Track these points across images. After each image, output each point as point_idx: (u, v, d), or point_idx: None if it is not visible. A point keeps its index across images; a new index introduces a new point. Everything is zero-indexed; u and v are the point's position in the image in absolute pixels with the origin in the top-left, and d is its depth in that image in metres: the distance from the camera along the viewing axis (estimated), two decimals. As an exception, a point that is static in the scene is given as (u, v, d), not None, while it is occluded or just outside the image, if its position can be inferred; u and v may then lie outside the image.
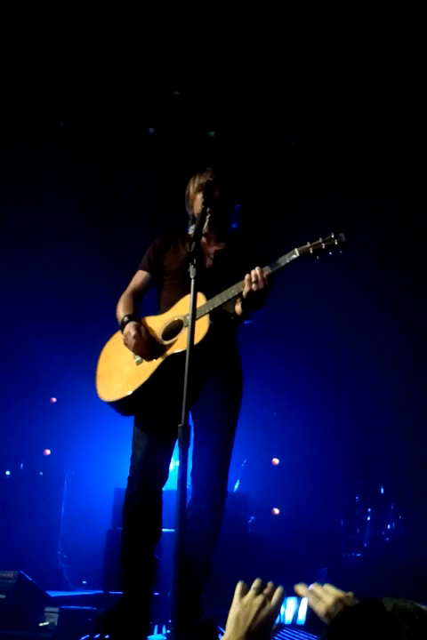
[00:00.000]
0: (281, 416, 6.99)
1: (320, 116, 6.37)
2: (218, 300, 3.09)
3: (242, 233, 3.60)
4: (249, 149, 6.44)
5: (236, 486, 6.16)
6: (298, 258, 3.02)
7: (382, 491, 6.21)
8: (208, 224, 2.73)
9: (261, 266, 3.23)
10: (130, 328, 3.21)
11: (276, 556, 5.73)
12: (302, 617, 1.54)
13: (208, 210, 2.77)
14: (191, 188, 3.46)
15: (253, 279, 3.00)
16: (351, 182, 6.50)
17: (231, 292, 3.09)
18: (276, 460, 7.02)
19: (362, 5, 5.37)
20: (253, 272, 3.01)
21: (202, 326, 3.03)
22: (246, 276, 3.01)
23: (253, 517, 5.96)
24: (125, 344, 3.22)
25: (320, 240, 3.01)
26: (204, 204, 2.78)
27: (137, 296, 3.49)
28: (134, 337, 3.16)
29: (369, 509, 6.17)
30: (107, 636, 2.85)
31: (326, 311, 6.79)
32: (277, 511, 6.68)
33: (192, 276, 2.37)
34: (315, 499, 6.56)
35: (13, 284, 6.54)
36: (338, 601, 1.45)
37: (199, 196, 3.31)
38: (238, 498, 5.56)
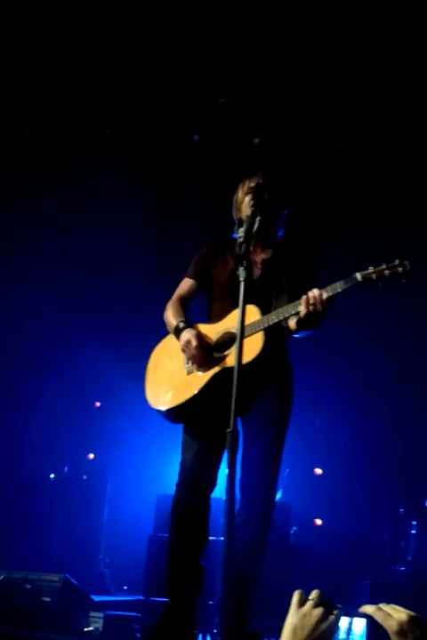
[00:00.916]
0: (324, 426, 6.91)
1: (366, 122, 6.29)
2: (274, 318, 3.04)
3: (288, 238, 3.55)
4: (293, 156, 6.40)
5: (278, 495, 6.10)
6: (359, 283, 2.93)
7: (427, 503, 6.09)
8: (257, 228, 2.68)
9: (310, 267, 3.20)
10: (191, 336, 3.16)
11: (318, 567, 5.66)
12: (358, 636, 1.47)
13: (258, 211, 2.72)
14: (240, 191, 3.42)
15: (312, 301, 2.92)
16: (400, 189, 6.41)
17: (289, 310, 3.03)
18: (318, 471, 6.94)
19: (415, 12, 5.29)
20: (311, 294, 2.93)
21: (256, 343, 3.01)
22: (304, 297, 2.94)
23: (295, 528, 5.89)
24: (183, 351, 3.19)
25: (384, 266, 2.91)
26: (253, 206, 2.73)
27: (184, 303, 3.47)
28: (196, 348, 3.12)
29: (414, 522, 6.04)
30: None
31: (372, 322, 6.69)
32: (319, 522, 6.60)
33: (241, 279, 2.34)
34: (358, 510, 6.46)
35: (59, 287, 6.62)
36: (412, 619, 1.39)
37: (248, 199, 3.25)
38: (280, 507, 5.48)
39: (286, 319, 3.09)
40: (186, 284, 3.52)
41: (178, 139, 6.61)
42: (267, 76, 5.99)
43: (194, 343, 3.14)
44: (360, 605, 1.50)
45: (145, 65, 6.06)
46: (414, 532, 6.03)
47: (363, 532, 6.32)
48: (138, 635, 3.32)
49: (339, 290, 2.95)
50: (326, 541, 6.25)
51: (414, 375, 6.72)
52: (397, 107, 6.12)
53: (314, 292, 2.93)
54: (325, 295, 2.93)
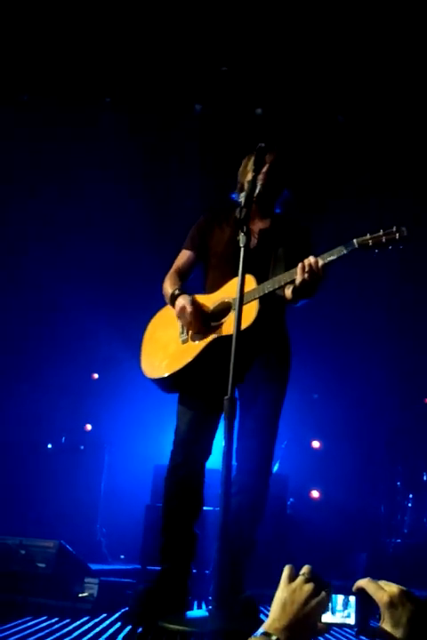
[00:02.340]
0: (322, 399, 6.92)
1: (370, 92, 6.20)
2: (269, 286, 3.01)
3: (288, 214, 3.51)
4: (296, 126, 6.32)
5: (275, 467, 6.12)
6: (356, 249, 2.88)
7: (424, 477, 6.11)
8: (257, 193, 2.63)
9: (309, 242, 3.17)
10: (185, 302, 3.16)
11: (314, 538, 5.69)
12: (350, 617, 1.47)
13: (259, 177, 2.68)
14: (248, 160, 3.36)
15: (307, 268, 2.87)
16: (405, 160, 6.34)
17: (284, 278, 3.00)
18: (316, 443, 6.96)
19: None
20: (306, 261, 2.89)
21: (251, 311, 2.98)
22: (300, 265, 2.90)
23: (292, 499, 5.92)
24: (179, 317, 3.19)
25: (381, 233, 2.86)
26: (254, 171, 2.70)
27: (182, 275, 3.46)
28: (191, 313, 3.11)
29: (411, 495, 6.08)
30: (146, 612, 2.84)
31: (370, 293, 6.67)
32: (316, 494, 6.63)
33: (241, 245, 2.31)
34: (355, 483, 6.48)
35: (57, 258, 6.58)
36: (402, 592, 1.40)
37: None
38: (278, 479, 5.51)
39: (283, 288, 3.06)
40: (183, 256, 3.51)
41: (180, 108, 6.52)
42: (270, 44, 5.88)
43: (189, 309, 3.13)
44: (357, 578, 1.52)
45: (147, 34, 5.96)
46: (410, 505, 6.06)
47: (360, 504, 6.35)
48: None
49: (335, 257, 2.91)
50: (323, 513, 6.27)
51: (411, 347, 6.72)
52: (401, 76, 6.03)
53: (310, 260, 2.89)
54: (320, 262, 2.89)
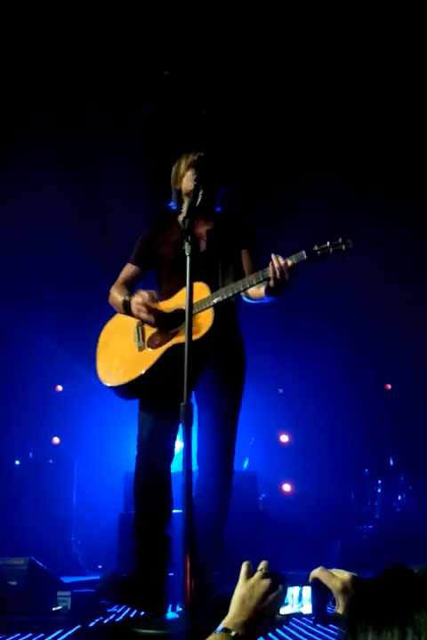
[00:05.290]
0: (288, 392, 6.99)
1: (317, 92, 6.27)
2: (224, 294, 3.06)
3: (231, 209, 3.57)
4: (244, 127, 6.36)
5: (245, 465, 6.18)
6: (305, 260, 2.95)
7: (391, 462, 6.23)
8: (200, 202, 2.68)
9: (252, 240, 3.28)
10: (140, 299, 3.17)
11: (288, 532, 5.76)
12: (307, 607, 1.53)
13: (200, 186, 2.73)
14: (183, 164, 3.40)
15: (279, 273, 2.89)
16: (352, 160, 6.43)
17: (238, 286, 3.05)
18: (284, 438, 7.04)
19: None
20: (276, 263, 2.90)
21: (206, 319, 3.03)
22: (271, 268, 2.92)
23: (263, 495, 5.97)
24: (138, 314, 3.19)
25: (328, 244, 2.93)
26: (196, 180, 2.74)
27: (128, 287, 3.47)
28: (149, 310, 3.14)
29: (379, 481, 6.19)
30: (124, 605, 2.87)
31: (330, 285, 6.76)
32: (287, 488, 6.70)
33: (187, 253, 2.36)
34: (325, 473, 6.58)
35: (15, 273, 6.52)
36: (353, 577, 1.45)
37: (190, 173, 3.30)
38: (248, 476, 5.57)
39: (245, 290, 3.12)
40: (128, 270, 3.54)
41: (126, 113, 6.50)
42: (213, 44, 5.90)
43: (146, 301, 3.15)
44: (332, 566, 1.57)
45: (90, 42, 5.93)
46: (379, 491, 6.17)
47: (330, 494, 6.44)
48: (107, 610, 3.36)
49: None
50: (295, 506, 6.36)
51: (375, 335, 6.83)
52: (352, 72, 6.10)
53: (280, 261, 2.92)
54: (289, 262, 2.92)
